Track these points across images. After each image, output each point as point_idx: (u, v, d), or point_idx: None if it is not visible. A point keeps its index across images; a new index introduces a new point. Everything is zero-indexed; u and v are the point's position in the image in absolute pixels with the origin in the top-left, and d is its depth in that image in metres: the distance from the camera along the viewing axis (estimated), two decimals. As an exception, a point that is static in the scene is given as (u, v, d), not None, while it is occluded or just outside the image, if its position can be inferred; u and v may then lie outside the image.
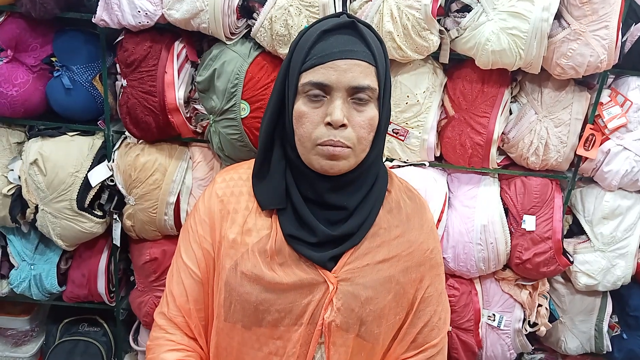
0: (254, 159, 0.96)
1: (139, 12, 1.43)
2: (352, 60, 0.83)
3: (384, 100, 0.88)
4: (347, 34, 0.85)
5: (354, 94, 0.84)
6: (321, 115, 0.84)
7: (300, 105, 0.85)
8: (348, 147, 0.84)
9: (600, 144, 1.59)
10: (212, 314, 0.97)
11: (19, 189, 1.69)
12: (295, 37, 0.93)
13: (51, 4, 1.45)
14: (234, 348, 0.93)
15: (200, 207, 0.97)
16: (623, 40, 1.49)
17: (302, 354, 0.91)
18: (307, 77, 0.84)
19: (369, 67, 0.84)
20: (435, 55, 1.54)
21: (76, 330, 2.02)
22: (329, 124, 0.83)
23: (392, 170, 1.61)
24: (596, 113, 1.58)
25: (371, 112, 0.86)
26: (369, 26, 0.90)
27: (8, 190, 1.68)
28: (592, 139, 1.58)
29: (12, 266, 1.86)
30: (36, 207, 1.68)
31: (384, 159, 1.66)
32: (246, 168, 0.99)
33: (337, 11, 1.38)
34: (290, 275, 0.88)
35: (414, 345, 1.00)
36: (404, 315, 0.97)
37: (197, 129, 1.63)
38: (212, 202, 0.95)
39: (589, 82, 1.63)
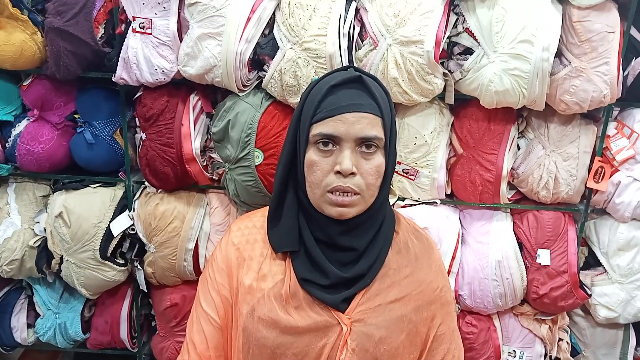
0: (268, 207, 1.00)
1: (156, 70, 1.52)
2: (360, 113, 0.88)
3: (390, 148, 0.93)
4: (355, 87, 0.91)
5: (362, 143, 0.89)
6: (331, 164, 0.89)
7: (312, 155, 0.90)
8: (357, 193, 0.89)
9: (610, 176, 1.60)
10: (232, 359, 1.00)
11: (44, 240, 1.75)
12: (304, 87, 0.99)
13: (74, 65, 1.54)
14: None
15: (218, 256, 1.01)
16: (625, 74, 1.52)
17: None
18: (317, 129, 0.89)
19: (375, 118, 0.90)
20: (441, 96, 1.59)
21: (100, 377, 2.05)
22: (338, 172, 0.88)
23: (402, 209, 1.64)
24: (604, 145, 1.60)
25: (378, 159, 0.91)
26: (374, 78, 0.96)
27: (34, 242, 1.75)
28: (601, 171, 1.59)
29: (37, 315, 1.91)
30: (61, 258, 1.73)
31: (396, 199, 1.69)
32: (259, 216, 1.03)
33: (342, 60, 1.44)
34: (305, 318, 0.91)
35: None
36: (417, 354, 0.99)
37: (213, 177, 1.68)
38: (228, 251, 0.99)
39: (594, 115, 1.65)
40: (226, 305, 0.98)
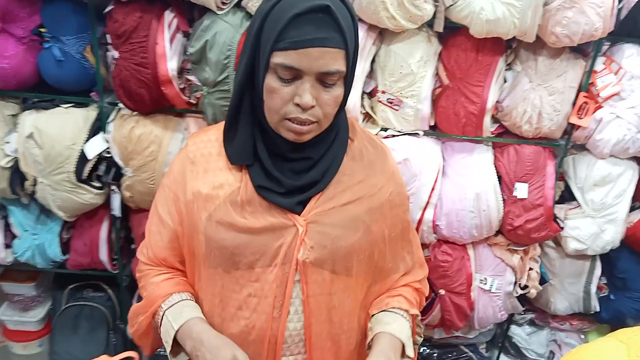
0: (224, 121, 1.01)
1: (128, -18, 1.41)
2: (324, 48, 0.85)
3: (350, 77, 0.93)
4: (321, 17, 0.86)
5: (323, 77, 0.88)
6: (291, 94, 0.88)
7: (271, 81, 0.88)
8: (314, 122, 0.90)
9: (594, 112, 1.59)
10: (187, 262, 1.06)
11: (17, 161, 1.70)
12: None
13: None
14: (218, 292, 1.01)
15: (174, 168, 1.04)
16: (619, 7, 1.47)
17: (279, 294, 0.97)
18: (279, 58, 0.86)
19: (339, 52, 0.87)
20: (430, 23, 1.53)
21: (81, 296, 2.09)
22: (298, 104, 0.87)
23: (384, 140, 1.62)
24: (590, 81, 1.58)
25: (338, 90, 0.90)
26: (343, 1, 0.89)
27: (6, 163, 1.70)
28: (585, 107, 1.58)
29: (14, 236, 1.90)
30: (35, 180, 1.70)
31: (379, 129, 1.67)
32: (215, 130, 1.05)
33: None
34: (261, 220, 0.95)
35: (390, 282, 1.09)
36: (373, 252, 1.04)
37: (191, 100, 1.63)
38: (184, 163, 1.02)
39: (583, 50, 1.61)
40: (180, 214, 1.02)
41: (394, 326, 1.01)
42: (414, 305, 1.08)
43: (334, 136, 0.98)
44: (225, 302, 0.99)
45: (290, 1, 0.86)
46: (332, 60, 0.86)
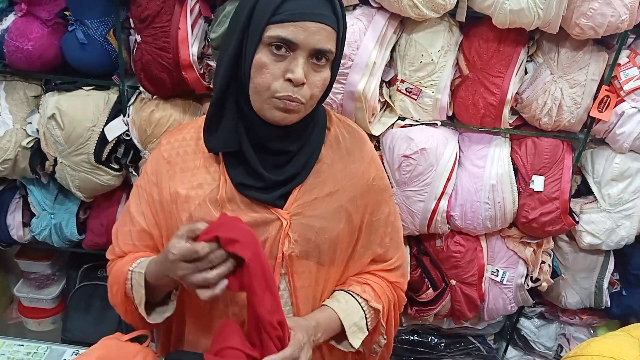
0: (198, 119, 1.00)
1: (152, -35, 1.41)
2: (321, 24, 0.86)
3: (336, 63, 0.93)
4: None
5: (315, 55, 0.87)
6: (282, 70, 0.86)
7: (262, 56, 0.87)
8: (302, 103, 0.89)
9: (615, 106, 1.58)
10: None
11: (37, 141, 1.73)
12: None
13: (62, -45, 1.43)
14: None
15: (149, 168, 1.02)
16: (646, -1, 1.45)
17: None
18: (275, 31, 0.85)
19: (333, 32, 0.88)
20: (452, 13, 1.51)
21: (95, 276, 2.12)
22: (289, 80, 0.86)
23: (401, 129, 1.62)
24: (613, 74, 1.56)
25: (326, 73, 0.90)
26: None
27: (27, 143, 1.72)
28: (606, 101, 1.57)
29: (33, 215, 1.93)
30: (55, 160, 1.72)
31: (396, 118, 1.67)
32: (190, 128, 1.03)
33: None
34: (243, 217, 0.93)
35: (361, 264, 1.07)
36: (356, 239, 1.04)
37: (210, 85, 1.63)
38: (159, 164, 1.00)
39: (607, 42, 1.60)
40: (156, 215, 1.00)
41: (341, 306, 0.98)
42: (380, 300, 1.04)
43: (312, 127, 0.97)
44: (213, 300, 0.95)
45: None
46: (327, 38, 0.86)
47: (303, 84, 0.87)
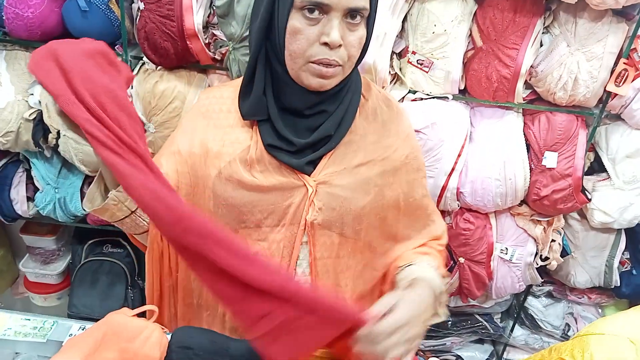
0: (241, 78, 0.98)
1: None
2: None
3: (371, 19, 0.90)
4: None
5: (350, 13, 0.85)
6: (317, 34, 0.84)
7: (295, 22, 0.85)
8: (340, 65, 0.87)
9: (633, 80, 1.53)
10: None
11: (40, 113, 1.69)
12: None
13: None
14: None
15: (184, 122, 1.03)
16: (670, -33, 1.39)
17: (286, 255, 0.96)
18: None
19: None
20: (466, -19, 1.46)
21: (100, 251, 2.11)
22: (325, 43, 0.84)
23: (412, 103, 1.58)
24: (632, 47, 1.51)
25: (362, 31, 0.88)
26: None
27: (30, 115, 1.69)
28: (624, 75, 1.52)
29: (37, 189, 1.91)
30: (58, 133, 1.69)
31: (407, 91, 1.63)
32: (229, 86, 1.03)
33: None
34: (270, 179, 0.93)
35: (404, 248, 1.05)
36: (385, 215, 1.02)
37: (216, 56, 1.59)
38: (196, 117, 1.01)
39: (627, 13, 1.54)
40: (183, 167, 1.00)
41: (430, 274, 0.94)
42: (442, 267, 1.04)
43: (346, 91, 0.96)
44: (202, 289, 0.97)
45: None
46: None
47: (340, 45, 0.84)
